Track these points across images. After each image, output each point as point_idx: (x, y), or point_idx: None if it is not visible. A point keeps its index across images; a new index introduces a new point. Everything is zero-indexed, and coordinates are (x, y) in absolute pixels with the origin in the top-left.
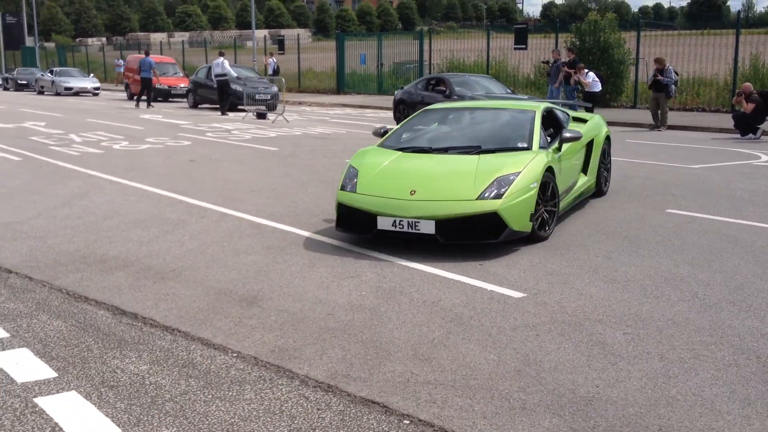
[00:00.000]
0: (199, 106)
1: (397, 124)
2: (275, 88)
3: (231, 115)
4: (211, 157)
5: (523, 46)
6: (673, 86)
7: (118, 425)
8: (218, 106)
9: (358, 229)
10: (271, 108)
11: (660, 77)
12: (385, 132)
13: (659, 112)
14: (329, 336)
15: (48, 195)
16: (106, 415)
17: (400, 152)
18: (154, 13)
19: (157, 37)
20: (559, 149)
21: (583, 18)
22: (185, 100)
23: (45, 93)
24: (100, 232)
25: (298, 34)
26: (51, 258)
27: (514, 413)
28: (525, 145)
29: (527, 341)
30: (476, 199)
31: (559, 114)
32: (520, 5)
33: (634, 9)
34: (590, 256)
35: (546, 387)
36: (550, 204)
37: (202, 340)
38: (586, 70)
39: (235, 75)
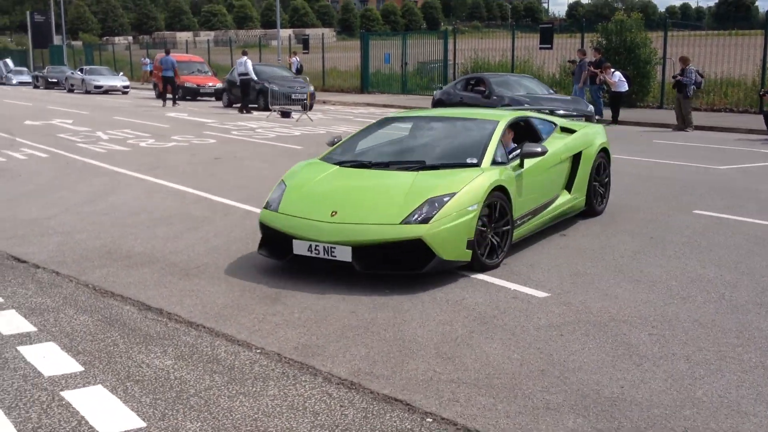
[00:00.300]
0: (234, 105)
1: None
2: (311, 88)
3: (255, 113)
4: (235, 155)
5: (549, 46)
6: (692, 87)
7: (144, 419)
8: (255, 105)
9: (276, 253)
10: (307, 108)
11: (680, 77)
12: (338, 142)
13: (683, 112)
14: (352, 333)
15: (75, 191)
16: (132, 409)
17: (338, 167)
18: (179, 12)
19: (183, 36)
20: (520, 165)
21: (610, 18)
22: (213, 98)
23: (75, 91)
24: (126, 229)
25: (323, 34)
26: (78, 253)
27: (537, 413)
28: (474, 161)
29: (551, 341)
30: (400, 224)
31: (538, 124)
32: (545, 5)
33: (661, 9)
34: (615, 257)
35: (570, 387)
36: (501, 228)
37: (226, 336)
38: (612, 70)
39: (256, 78)
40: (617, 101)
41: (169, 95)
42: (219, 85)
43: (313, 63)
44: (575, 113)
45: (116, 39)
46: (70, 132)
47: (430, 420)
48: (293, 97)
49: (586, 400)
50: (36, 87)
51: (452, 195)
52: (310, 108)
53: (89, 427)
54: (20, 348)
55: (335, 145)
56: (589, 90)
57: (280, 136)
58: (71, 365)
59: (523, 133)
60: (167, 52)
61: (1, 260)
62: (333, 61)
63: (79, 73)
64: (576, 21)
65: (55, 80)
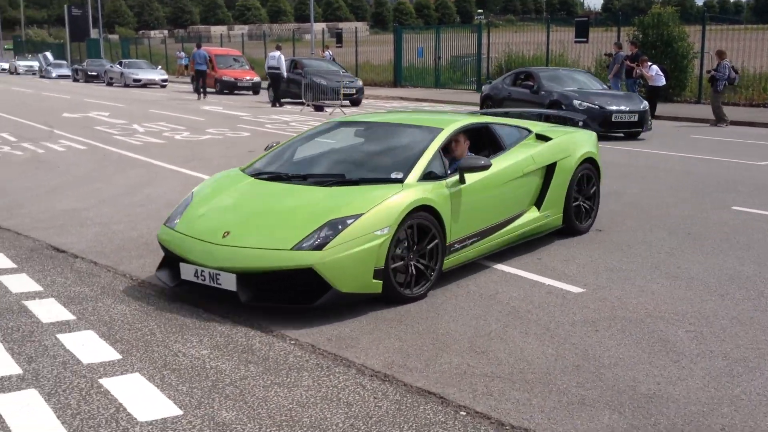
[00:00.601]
0: (281, 99)
1: None
2: (360, 83)
3: (288, 107)
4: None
5: (584, 39)
6: (724, 81)
7: (180, 407)
8: (301, 100)
9: (170, 276)
10: (356, 103)
11: (714, 72)
12: (273, 146)
13: (712, 107)
14: (385, 326)
15: (112, 183)
16: (168, 397)
17: (253, 179)
18: (214, 6)
19: (218, 30)
20: (461, 180)
21: (646, 11)
22: (251, 92)
23: (114, 84)
24: (162, 220)
25: (356, 27)
26: (115, 244)
27: (572, 408)
28: (399, 176)
29: (586, 337)
30: (291, 249)
31: (502, 131)
32: None
33: (699, 2)
34: (652, 253)
35: (605, 383)
36: (425, 254)
37: (260, 327)
38: (649, 63)
39: (285, 75)
40: (654, 95)
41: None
42: (256, 78)
43: (346, 57)
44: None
45: (152, 33)
46: (107, 124)
47: (464, 413)
48: (342, 91)
49: (621, 397)
50: (75, 80)
51: (357, 216)
52: (359, 103)
53: (127, 414)
54: (59, 336)
55: (266, 152)
56: (625, 84)
57: None
58: (109, 353)
59: (486, 142)
60: (199, 46)
61: (40, 250)
62: (366, 54)
63: (118, 66)
64: (612, 14)
65: (95, 73)
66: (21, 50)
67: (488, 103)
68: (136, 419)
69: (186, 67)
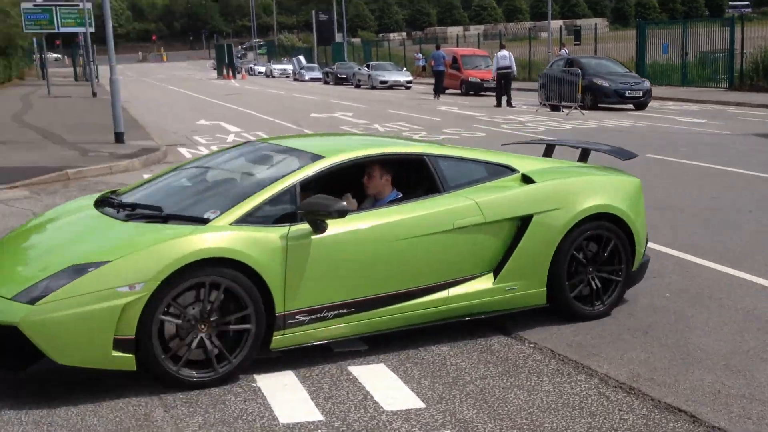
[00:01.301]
0: (547, 102)
1: None
2: (647, 83)
3: (524, 107)
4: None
5: None
6: None
7: (423, 400)
8: (569, 103)
9: None
10: (642, 107)
11: None
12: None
13: None
14: (630, 337)
15: None
16: (412, 390)
17: (91, 209)
18: (450, 8)
19: (453, 30)
20: (316, 229)
21: None
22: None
23: (361, 86)
24: None
25: (596, 24)
26: None
27: None
28: (211, 216)
29: None
30: (10, 299)
31: (441, 165)
32: None
33: None
34: None
35: None
36: (233, 326)
37: (500, 328)
38: None
39: (515, 72)
40: None
41: (450, 90)
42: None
43: (584, 54)
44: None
45: (391, 35)
46: (351, 124)
47: None
48: (627, 94)
49: None
50: (326, 83)
51: (99, 264)
52: (645, 107)
53: (374, 402)
54: None
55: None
56: None
57: (550, 130)
58: (356, 342)
59: (422, 179)
60: (438, 47)
61: None
62: (605, 51)
63: (365, 69)
64: None
65: (344, 76)
66: (273, 54)
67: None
68: (382, 408)
69: (423, 68)
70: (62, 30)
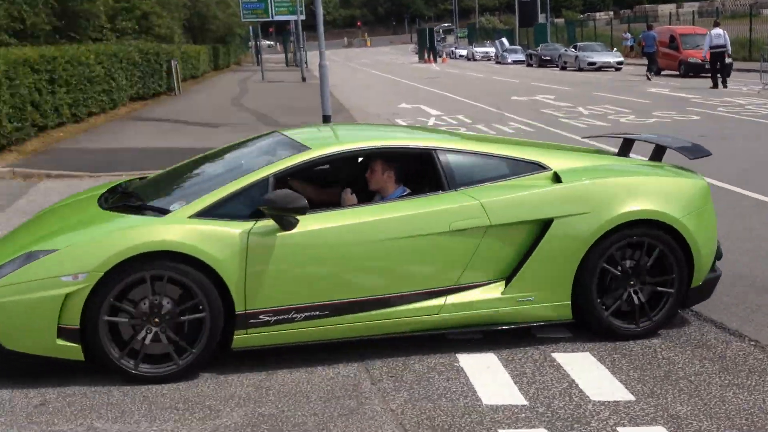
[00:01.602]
0: None
1: None
2: None
3: (744, 89)
4: (722, 134)
5: None
6: None
7: (632, 393)
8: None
9: None
10: None
11: None
12: None
13: None
14: None
15: None
16: (620, 381)
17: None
18: None
19: (665, 8)
20: (282, 226)
21: None
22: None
23: (567, 68)
24: None
25: None
26: None
27: None
28: (174, 207)
29: None
30: None
31: (450, 160)
32: None
33: None
34: None
35: None
36: (185, 319)
37: (715, 323)
38: None
39: (730, 51)
40: None
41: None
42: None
43: None
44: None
45: (597, 15)
46: (553, 107)
47: None
48: None
49: None
50: (529, 65)
51: (48, 252)
52: None
53: (579, 391)
54: None
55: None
56: None
57: None
58: (560, 330)
59: (428, 176)
60: (650, 27)
61: None
62: None
63: (572, 50)
64: None
65: (548, 58)
66: (474, 37)
67: None
68: (588, 397)
69: (631, 48)
70: (276, 18)
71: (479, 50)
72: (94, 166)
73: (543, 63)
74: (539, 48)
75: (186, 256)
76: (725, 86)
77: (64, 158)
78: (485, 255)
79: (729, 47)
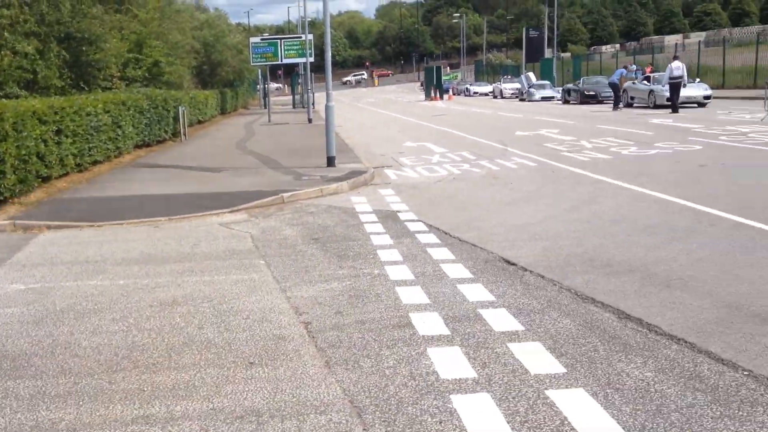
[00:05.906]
0: None
1: None
2: None
3: (748, 117)
4: (723, 163)
5: None
6: None
7: (624, 428)
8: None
9: None
10: None
11: None
12: None
13: None
14: None
15: (559, 199)
16: (612, 417)
17: None
18: (670, 15)
19: (671, 39)
20: None
21: None
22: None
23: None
24: (607, 237)
25: None
26: (561, 259)
27: None
28: None
29: None
30: None
31: None
32: None
33: None
34: None
35: None
36: None
37: (709, 353)
38: None
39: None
40: None
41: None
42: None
43: None
44: None
45: (603, 48)
46: (556, 141)
47: None
48: None
49: None
50: (566, 102)
51: None
52: None
53: (571, 428)
54: (509, 344)
55: None
56: None
57: None
58: (555, 366)
59: None
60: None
61: (494, 262)
62: None
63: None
64: None
65: (592, 93)
66: (480, 73)
67: None
68: None
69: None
70: (285, 61)
71: (508, 87)
72: (95, 215)
73: (585, 100)
74: (581, 82)
75: None
76: (676, 111)
77: (66, 208)
78: None
79: (686, 77)
